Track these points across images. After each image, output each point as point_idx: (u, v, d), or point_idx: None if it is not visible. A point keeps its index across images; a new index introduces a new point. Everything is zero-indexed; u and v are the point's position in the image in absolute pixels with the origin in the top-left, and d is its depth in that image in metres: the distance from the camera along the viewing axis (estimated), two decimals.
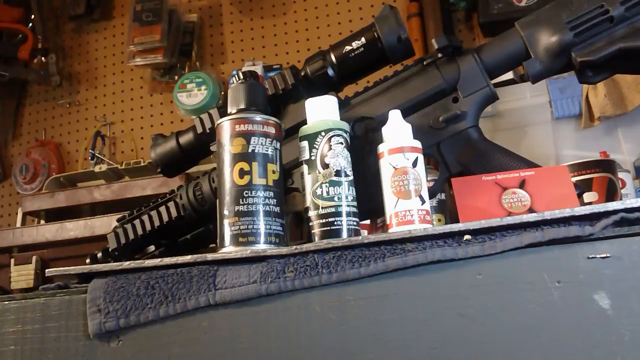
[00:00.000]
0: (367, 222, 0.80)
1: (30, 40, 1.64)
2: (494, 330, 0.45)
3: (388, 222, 0.55)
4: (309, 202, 0.55)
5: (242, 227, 0.53)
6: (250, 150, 0.55)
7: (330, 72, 0.65)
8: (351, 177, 0.56)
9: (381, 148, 0.57)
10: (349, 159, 0.56)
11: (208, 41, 1.63)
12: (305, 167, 0.56)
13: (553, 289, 0.45)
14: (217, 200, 0.56)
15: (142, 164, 1.41)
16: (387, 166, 0.56)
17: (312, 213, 0.55)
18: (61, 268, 0.58)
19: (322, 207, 0.54)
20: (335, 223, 0.53)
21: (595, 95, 1.08)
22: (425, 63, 0.65)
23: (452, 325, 0.46)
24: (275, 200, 0.55)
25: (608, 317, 0.43)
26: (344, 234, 0.53)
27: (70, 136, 1.68)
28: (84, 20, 1.71)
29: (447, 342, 0.46)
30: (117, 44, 1.70)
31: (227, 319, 0.51)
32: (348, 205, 0.54)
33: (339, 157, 0.55)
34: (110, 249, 0.68)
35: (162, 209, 0.68)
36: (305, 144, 0.57)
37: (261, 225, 0.54)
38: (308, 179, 0.56)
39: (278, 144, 0.57)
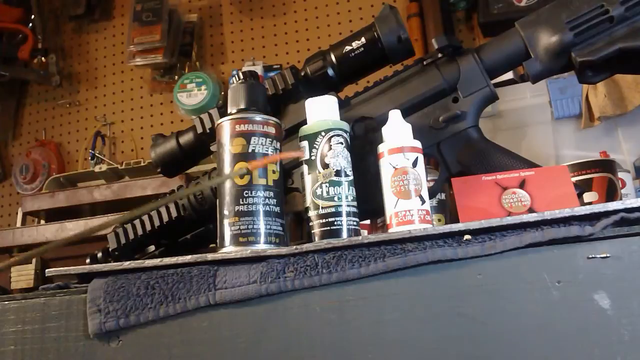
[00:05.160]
0: (367, 222, 0.80)
1: (30, 40, 1.64)
2: (494, 330, 0.45)
3: (388, 222, 0.55)
4: (309, 202, 0.55)
5: (242, 227, 0.53)
6: (250, 150, 0.55)
7: (330, 72, 0.65)
8: (351, 177, 0.56)
9: (381, 148, 0.57)
10: (349, 159, 0.56)
11: (208, 41, 1.63)
12: (305, 167, 0.56)
13: (553, 289, 0.45)
14: (217, 200, 0.56)
15: (142, 164, 1.41)
16: (387, 166, 0.56)
17: (312, 213, 0.55)
18: (61, 268, 0.58)
19: (322, 207, 0.54)
20: (335, 223, 0.53)
21: (595, 95, 1.08)
22: (425, 63, 0.65)
23: (452, 325, 0.46)
24: (275, 200, 0.55)
25: (608, 317, 0.43)
26: (344, 234, 0.53)
27: (70, 136, 1.68)
28: (84, 20, 1.71)
29: (447, 342, 0.46)
30: (117, 44, 1.70)
31: (227, 318, 0.51)
32: (348, 205, 0.54)
33: (339, 157, 0.55)
34: (110, 249, 0.68)
35: (162, 209, 0.68)
36: (305, 144, 0.57)
37: (261, 225, 0.54)
38: (308, 179, 0.56)
39: (278, 144, 0.57)
